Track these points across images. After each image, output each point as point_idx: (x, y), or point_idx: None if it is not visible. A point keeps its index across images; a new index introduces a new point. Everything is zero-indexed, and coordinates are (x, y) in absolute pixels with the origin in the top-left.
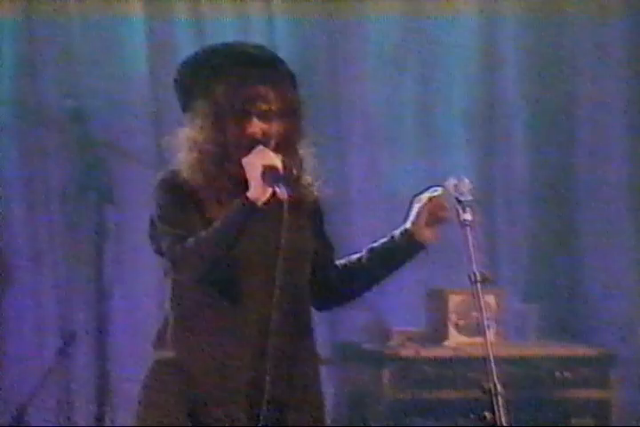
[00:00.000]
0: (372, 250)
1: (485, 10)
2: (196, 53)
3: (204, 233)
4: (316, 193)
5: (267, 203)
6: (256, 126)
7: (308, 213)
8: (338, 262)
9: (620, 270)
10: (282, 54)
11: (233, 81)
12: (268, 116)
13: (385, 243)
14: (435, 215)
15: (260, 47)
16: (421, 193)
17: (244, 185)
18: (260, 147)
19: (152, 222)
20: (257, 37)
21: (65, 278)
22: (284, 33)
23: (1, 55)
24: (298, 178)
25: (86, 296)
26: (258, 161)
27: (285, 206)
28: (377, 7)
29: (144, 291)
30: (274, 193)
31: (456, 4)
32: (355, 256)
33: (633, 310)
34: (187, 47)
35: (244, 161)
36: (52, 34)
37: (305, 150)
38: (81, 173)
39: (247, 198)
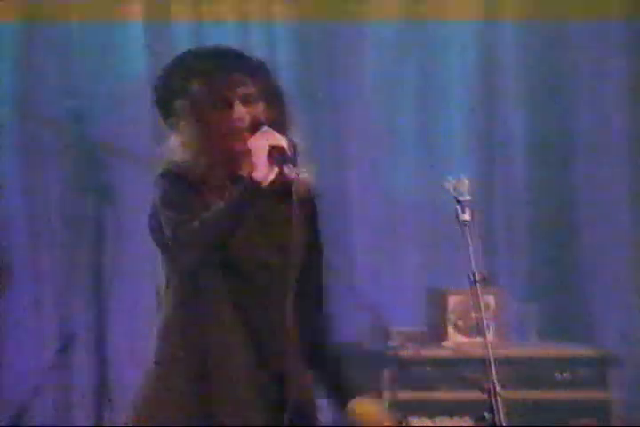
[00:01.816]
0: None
1: (486, 14)
2: (166, 65)
3: (208, 214)
4: (309, 184)
5: (271, 184)
6: (241, 111)
7: (301, 206)
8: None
9: (620, 270)
10: (281, 56)
11: (207, 74)
12: (250, 100)
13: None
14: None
15: (227, 46)
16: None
17: (245, 168)
18: (265, 127)
19: (152, 215)
20: (256, 40)
21: (65, 278)
22: (283, 35)
23: (1, 55)
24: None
25: (86, 296)
26: (264, 141)
27: (294, 186)
28: (376, 10)
29: (144, 291)
30: (279, 173)
31: (456, 8)
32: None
33: (633, 309)
34: (186, 46)
35: (250, 142)
36: (52, 34)
37: (298, 141)
38: (81, 173)
39: (252, 178)
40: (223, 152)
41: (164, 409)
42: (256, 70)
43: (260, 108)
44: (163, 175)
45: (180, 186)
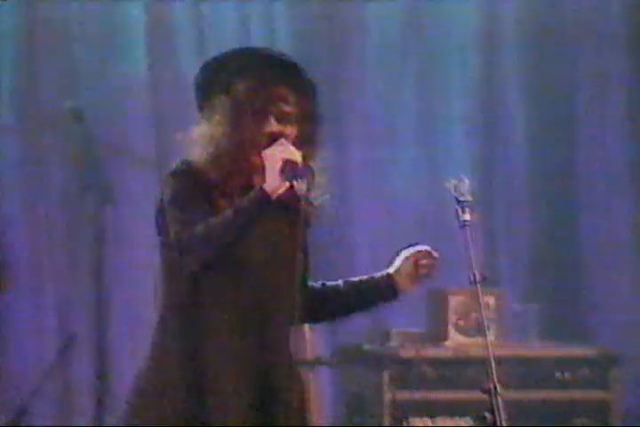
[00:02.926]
0: (349, 283)
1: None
2: (221, 54)
3: (214, 220)
4: (315, 209)
5: (280, 197)
6: (273, 127)
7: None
8: (311, 284)
9: (620, 270)
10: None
11: (256, 80)
12: (285, 119)
13: (363, 280)
14: (421, 268)
15: (285, 54)
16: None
17: (258, 181)
18: (282, 140)
19: (160, 212)
20: (257, 30)
21: (65, 279)
22: (284, 24)
23: (1, 55)
24: (308, 189)
25: (86, 296)
26: (278, 154)
27: (302, 200)
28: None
29: (144, 291)
30: (290, 187)
31: None
32: (331, 283)
33: (633, 309)
34: (186, 46)
35: (265, 153)
36: (52, 34)
37: (317, 165)
38: (81, 173)
39: (262, 190)
40: (241, 158)
41: (159, 404)
42: (304, 89)
43: (291, 131)
44: (174, 174)
45: (190, 187)
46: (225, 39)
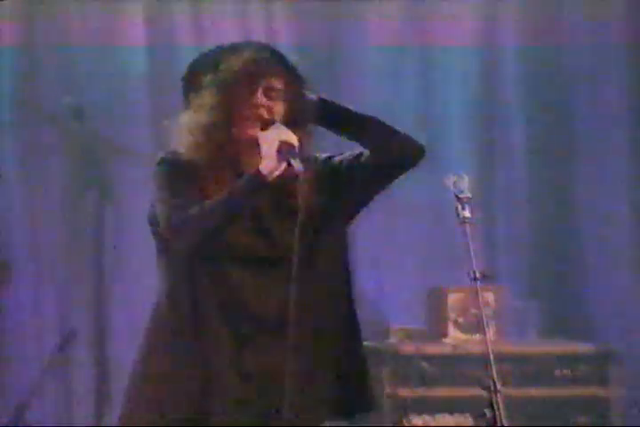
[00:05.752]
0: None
1: (486, 11)
2: (208, 50)
3: (208, 202)
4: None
5: (277, 179)
6: (261, 99)
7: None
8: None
9: (620, 269)
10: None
11: (245, 57)
12: (273, 95)
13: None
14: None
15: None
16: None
17: (245, 166)
18: (277, 124)
19: (152, 207)
20: (257, 30)
21: (65, 278)
22: (284, 24)
23: (1, 53)
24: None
25: (86, 296)
26: (274, 136)
27: (300, 179)
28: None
29: (144, 290)
30: (286, 169)
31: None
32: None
33: (633, 308)
34: (187, 45)
35: (260, 136)
36: (52, 33)
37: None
38: (81, 173)
39: (258, 171)
40: (231, 133)
41: (157, 391)
42: (291, 72)
43: (278, 107)
44: (159, 163)
45: (178, 173)
46: (225, 39)
